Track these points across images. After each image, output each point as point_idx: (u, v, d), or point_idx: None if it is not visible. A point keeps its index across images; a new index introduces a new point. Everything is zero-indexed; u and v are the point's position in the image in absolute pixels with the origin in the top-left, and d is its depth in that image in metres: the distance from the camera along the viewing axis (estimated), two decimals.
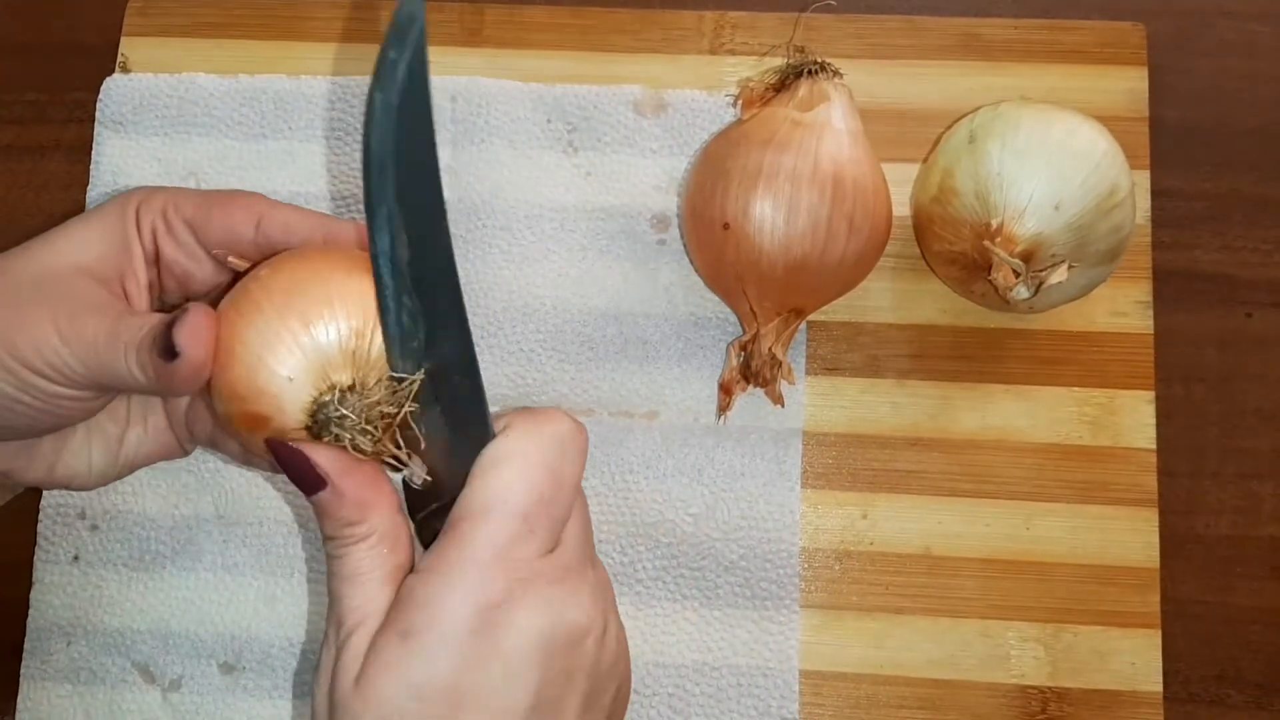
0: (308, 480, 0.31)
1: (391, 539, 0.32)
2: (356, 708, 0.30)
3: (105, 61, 0.52)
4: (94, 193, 0.51)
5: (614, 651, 0.34)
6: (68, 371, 0.33)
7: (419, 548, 0.33)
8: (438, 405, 0.32)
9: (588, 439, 0.34)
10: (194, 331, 0.31)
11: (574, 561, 0.33)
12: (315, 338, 0.31)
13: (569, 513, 0.33)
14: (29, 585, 0.47)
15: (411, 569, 0.32)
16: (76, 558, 0.47)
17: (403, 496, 0.34)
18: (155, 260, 0.36)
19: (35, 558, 0.47)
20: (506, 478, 0.31)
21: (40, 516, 0.48)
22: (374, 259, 0.31)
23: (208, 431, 0.38)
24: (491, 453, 0.32)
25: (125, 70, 0.52)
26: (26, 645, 0.47)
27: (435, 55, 0.51)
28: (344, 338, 0.31)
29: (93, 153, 0.51)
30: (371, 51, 0.50)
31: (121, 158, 0.51)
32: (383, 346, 0.32)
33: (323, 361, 0.31)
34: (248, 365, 0.31)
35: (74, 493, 0.48)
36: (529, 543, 0.31)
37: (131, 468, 0.39)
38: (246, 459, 0.38)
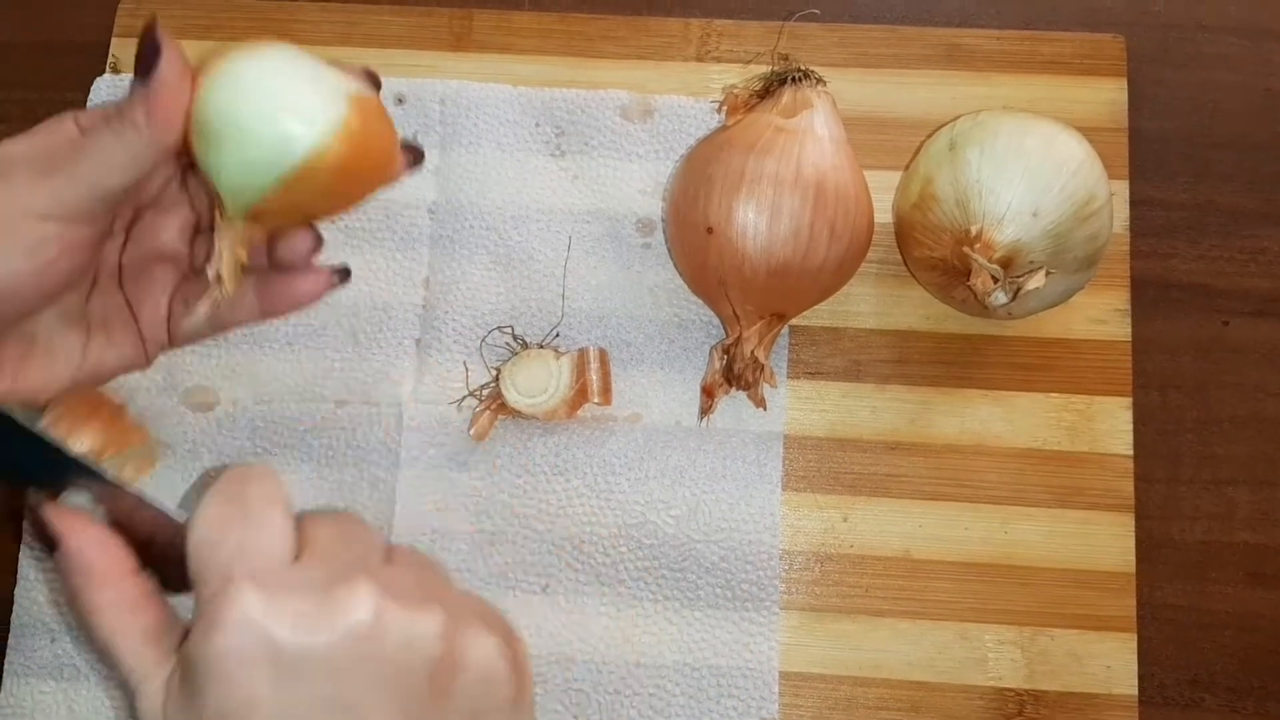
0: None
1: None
2: None
3: (96, 62, 0.52)
4: None
5: (483, 660, 0.29)
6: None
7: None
8: None
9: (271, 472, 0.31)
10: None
11: (324, 566, 0.29)
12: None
13: (273, 528, 0.29)
14: (14, 582, 0.47)
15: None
16: None
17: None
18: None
19: (20, 554, 0.48)
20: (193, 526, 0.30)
21: (26, 513, 0.48)
22: None
23: (187, 329, 0.38)
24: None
25: (115, 71, 0.52)
26: (10, 641, 0.47)
27: (425, 59, 0.52)
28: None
29: None
30: (362, 55, 0.51)
31: None
32: None
33: None
34: None
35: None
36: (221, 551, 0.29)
37: (94, 379, 0.38)
38: (218, 327, 0.38)
